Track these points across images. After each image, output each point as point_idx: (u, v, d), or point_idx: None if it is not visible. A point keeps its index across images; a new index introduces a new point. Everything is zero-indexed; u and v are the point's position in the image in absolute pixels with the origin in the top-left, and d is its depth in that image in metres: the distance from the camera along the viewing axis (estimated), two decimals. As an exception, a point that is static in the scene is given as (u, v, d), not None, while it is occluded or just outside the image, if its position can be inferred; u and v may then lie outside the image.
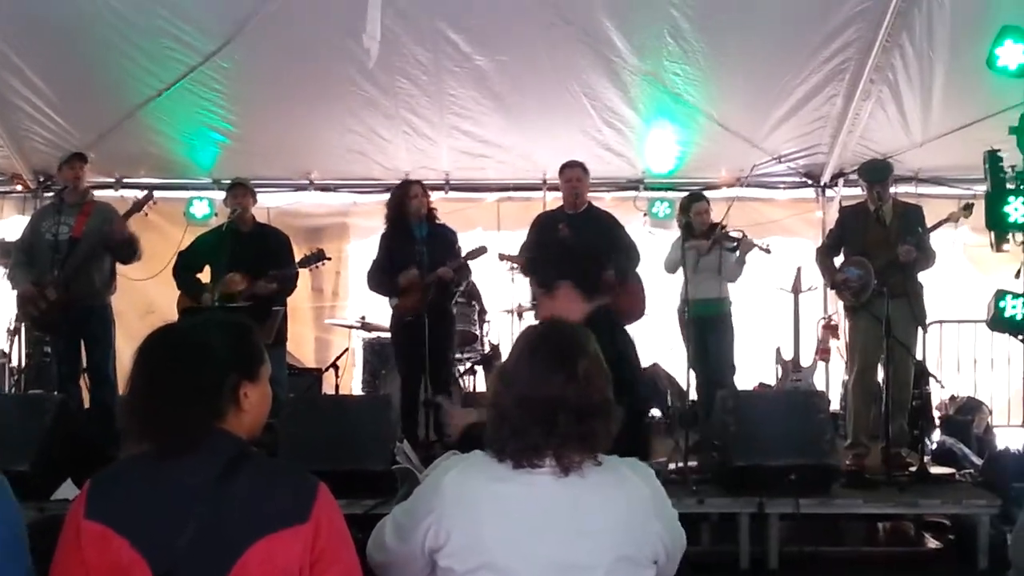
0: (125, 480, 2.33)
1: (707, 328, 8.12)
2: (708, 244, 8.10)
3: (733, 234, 8.03)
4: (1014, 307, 7.74)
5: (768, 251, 8.04)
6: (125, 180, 10.41)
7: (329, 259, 7.72)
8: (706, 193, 8.87)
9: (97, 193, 9.07)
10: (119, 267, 7.82)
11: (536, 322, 2.73)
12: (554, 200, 9.32)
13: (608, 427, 2.52)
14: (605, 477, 2.50)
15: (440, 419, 6.88)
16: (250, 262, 7.60)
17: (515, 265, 8.13)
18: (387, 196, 8.46)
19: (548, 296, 3.70)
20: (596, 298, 3.74)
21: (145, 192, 7.93)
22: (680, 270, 7.97)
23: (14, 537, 2.42)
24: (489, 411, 2.56)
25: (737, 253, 7.98)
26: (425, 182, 8.20)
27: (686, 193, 9.03)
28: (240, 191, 7.87)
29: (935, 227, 7.68)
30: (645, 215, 10.22)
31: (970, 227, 8.23)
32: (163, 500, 2.25)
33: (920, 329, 7.75)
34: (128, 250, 7.66)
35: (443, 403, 4.53)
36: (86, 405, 7.71)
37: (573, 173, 7.94)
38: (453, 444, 3.23)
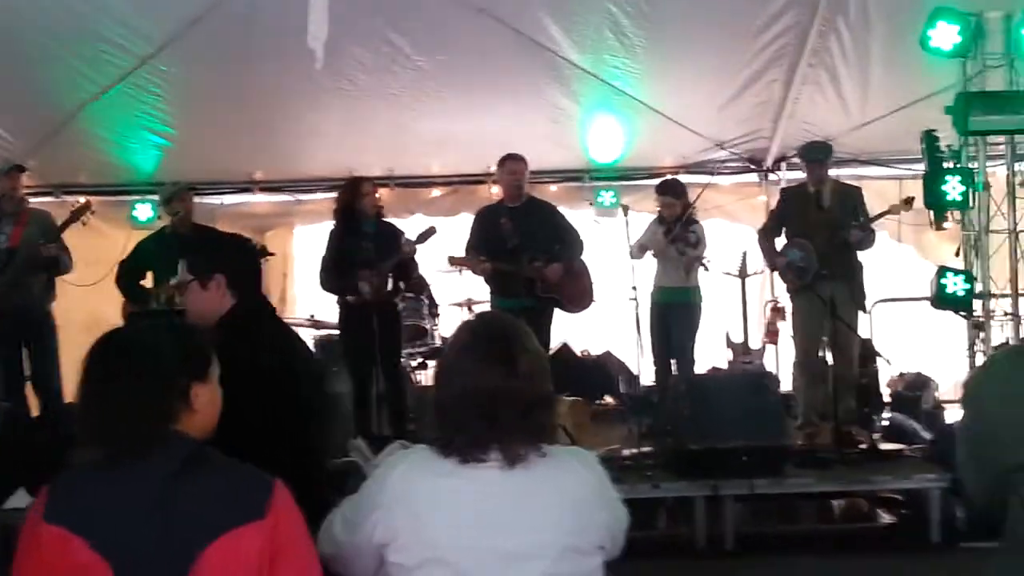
0: (82, 483, 2.30)
1: (671, 315, 8.16)
2: (662, 243, 8.13)
3: (689, 235, 8.04)
4: (955, 284, 7.90)
5: (707, 269, 8.13)
6: (65, 186, 10.27)
7: (272, 254, 7.71)
8: (650, 181, 8.93)
9: (37, 200, 8.99)
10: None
11: (470, 316, 2.73)
12: (500, 193, 9.33)
13: (551, 418, 2.57)
14: (550, 468, 2.51)
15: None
16: None
17: (465, 267, 8.13)
18: (332, 194, 8.44)
19: (201, 286, 3.56)
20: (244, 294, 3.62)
21: (82, 201, 7.86)
22: (645, 256, 8.06)
23: None
24: (433, 407, 2.57)
25: (683, 258, 8.03)
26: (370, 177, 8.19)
27: (630, 183, 9.09)
28: (187, 195, 7.81)
29: (876, 218, 7.79)
30: (591, 204, 10.25)
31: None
32: (121, 501, 2.24)
33: (860, 310, 7.85)
34: (57, 266, 7.61)
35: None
36: (33, 413, 7.62)
37: (514, 166, 7.97)
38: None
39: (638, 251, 8.19)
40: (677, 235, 8.05)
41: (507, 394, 2.46)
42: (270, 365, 3.30)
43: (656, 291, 8.21)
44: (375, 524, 2.47)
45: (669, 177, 9.11)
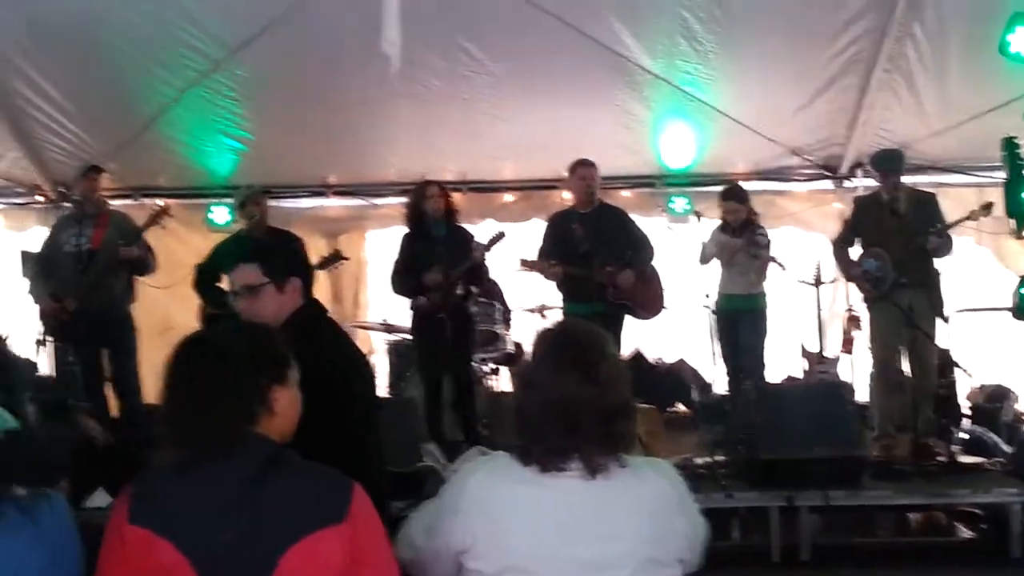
0: (164, 485, 2.34)
1: (739, 322, 8.11)
2: (735, 244, 8.08)
3: (759, 238, 7.99)
4: (1036, 295, 7.73)
5: (783, 268, 8.03)
6: (144, 189, 10.46)
7: (347, 259, 7.76)
8: (724, 187, 8.86)
9: (116, 203, 9.14)
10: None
11: (548, 325, 2.71)
12: (571, 199, 9.32)
13: (631, 428, 2.55)
14: (630, 478, 2.50)
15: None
16: None
17: (537, 271, 8.12)
18: (405, 199, 8.49)
19: (278, 289, 3.46)
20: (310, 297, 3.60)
21: (161, 205, 7.98)
22: (713, 262, 8.01)
23: (74, 558, 2.45)
24: (515, 416, 2.57)
25: (756, 262, 7.96)
26: (442, 182, 8.21)
27: (704, 188, 9.03)
28: (261, 198, 7.90)
29: (955, 224, 7.65)
30: (663, 211, 10.20)
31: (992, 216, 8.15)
32: (203, 503, 2.28)
33: (940, 318, 7.72)
34: (140, 266, 7.71)
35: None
36: (112, 413, 7.74)
37: (585, 171, 7.94)
38: None
39: (705, 258, 8.16)
40: (748, 238, 7.98)
41: (587, 402, 2.45)
42: (338, 365, 3.31)
43: (722, 298, 8.15)
44: (453, 529, 2.48)
45: (731, 183, 8.98)
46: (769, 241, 8.04)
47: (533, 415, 2.49)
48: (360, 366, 3.57)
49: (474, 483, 2.51)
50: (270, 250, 3.64)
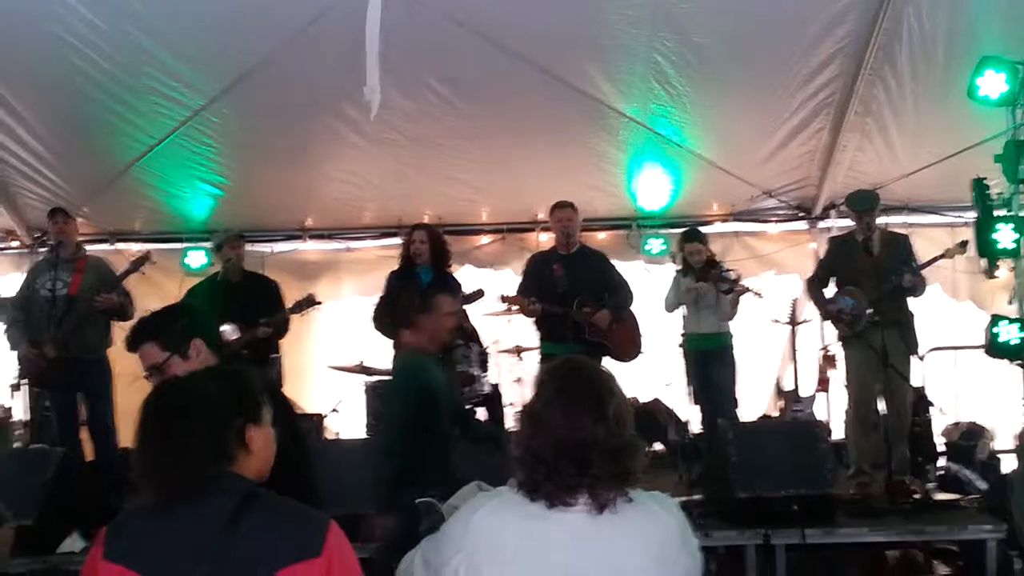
0: (141, 524, 2.36)
1: (708, 361, 8.16)
2: (704, 287, 8.14)
3: (727, 274, 8.05)
4: (1008, 332, 7.80)
5: (760, 296, 8.06)
6: (120, 234, 10.46)
7: (319, 303, 7.74)
8: (701, 228, 8.92)
9: (93, 248, 9.13)
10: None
11: (553, 362, 2.71)
12: (548, 240, 9.37)
13: (638, 463, 2.55)
14: (635, 514, 2.52)
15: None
16: (242, 311, 7.64)
17: (516, 307, 8.14)
18: (382, 241, 8.52)
19: (182, 358, 3.52)
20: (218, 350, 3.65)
21: (142, 252, 7.99)
22: (680, 308, 8.05)
23: None
24: (520, 453, 2.56)
25: (730, 296, 8.01)
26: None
27: (680, 229, 9.09)
28: (238, 242, 7.91)
29: (930, 262, 7.73)
30: (638, 252, 10.26)
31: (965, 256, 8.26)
32: (179, 541, 2.28)
33: (915, 357, 7.78)
34: (120, 313, 7.71)
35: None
36: (87, 457, 7.69)
37: (564, 214, 7.99)
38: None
39: (671, 306, 8.22)
40: (715, 276, 8.04)
41: (598, 440, 2.47)
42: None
43: (691, 338, 8.16)
44: (457, 567, 2.48)
45: (691, 228, 9.02)
46: (738, 274, 8.08)
47: (543, 454, 2.49)
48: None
49: (478, 519, 2.51)
50: (160, 324, 3.65)
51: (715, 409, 8.06)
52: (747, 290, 7.94)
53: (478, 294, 7.76)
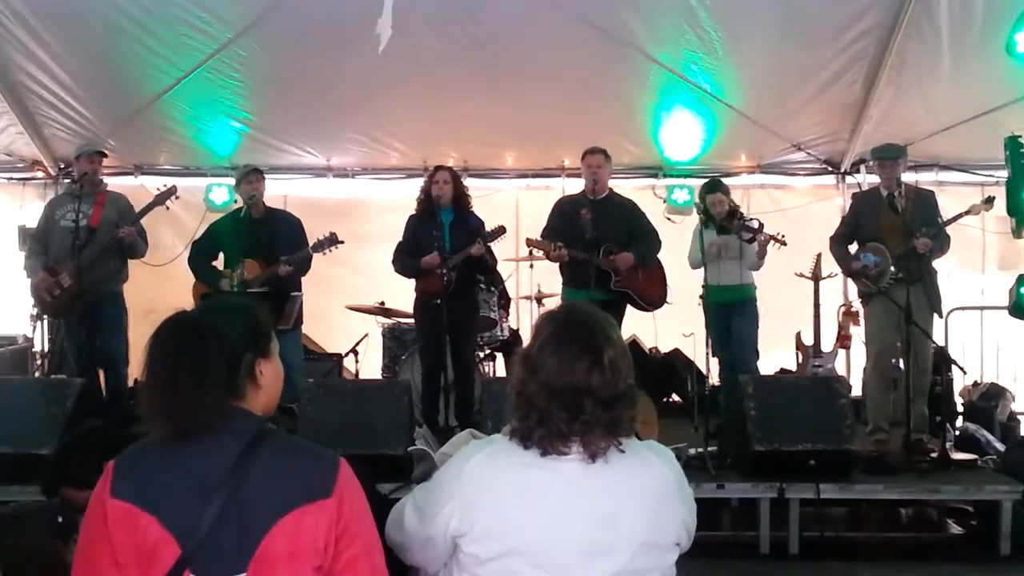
0: (149, 461, 2.32)
1: (730, 313, 8.10)
2: (723, 240, 8.06)
3: (750, 224, 7.96)
4: (1034, 293, 7.72)
5: (784, 243, 7.96)
6: (145, 168, 10.49)
7: (342, 242, 7.71)
8: (726, 180, 8.82)
9: (117, 181, 9.19)
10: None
11: (551, 308, 2.67)
12: (572, 188, 9.30)
13: (632, 414, 2.51)
14: (630, 462, 2.50)
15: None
16: (264, 247, 7.64)
17: (540, 251, 8.09)
18: (406, 182, 8.48)
19: None
20: None
21: (168, 184, 7.98)
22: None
23: None
24: (514, 398, 2.54)
25: (755, 245, 7.91)
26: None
27: (704, 179, 9.00)
28: (255, 176, 7.87)
29: (955, 218, 7.62)
30: (664, 202, 10.20)
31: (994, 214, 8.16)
32: (188, 479, 2.26)
33: (937, 315, 7.71)
34: (134, 250, 7.72)
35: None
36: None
37: (595, 159, 7.91)
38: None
39: (697, 263, 8.11)
40: (737, 225, 7.94)
41: (591, 388, 2.44)
42: None
43: (712, 290, 8.02)
44: (451, 514, 2.46)
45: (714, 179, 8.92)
46: (761, 223, 7.98)
47: (536, 399, 2.47)
48: None
49: (472, 467, 2.49)
50: None
51: (735, 361, 8.03)
52: (771, 238, 7.84)
53: (500, 231, 7.69)
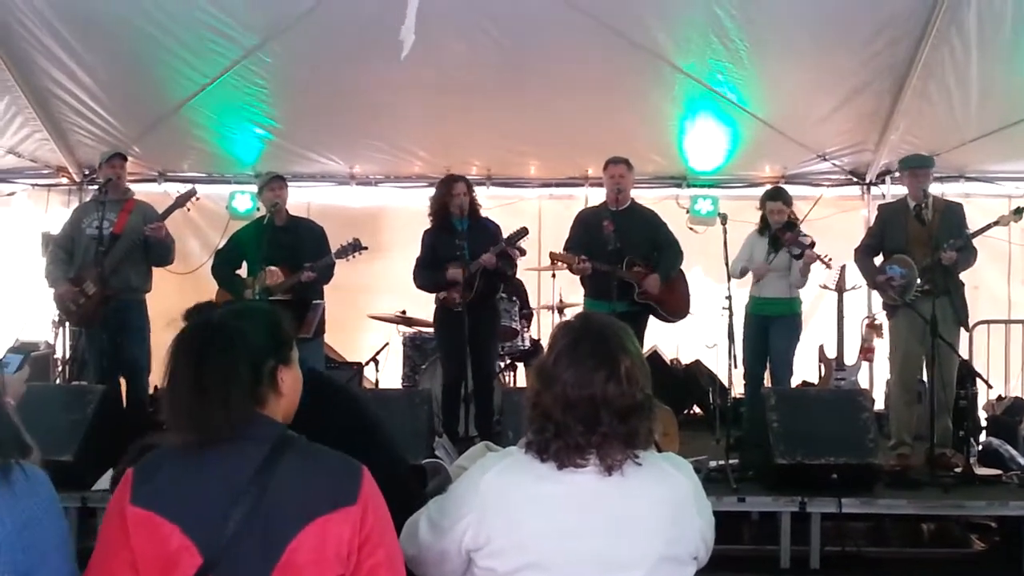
0: (169, 468, 2.30)
1: (771, 326, 8.02)
2: (782, 248, 7.97)
3: (802, 239, 7.86)
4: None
5: (829, 265, 7.90)
6: (168, 174, 10.53)
7: (366, 248, 7.70)
8: (750, 191, 8.78)
9: (140, 187, 9.20)
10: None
11: (567, 318, 2.64)
12: (595, 198, 9.27)
13: (650, 425, 2.48)
14: (648, 475, 2.47)
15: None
16: (286, 255, 7.64)
17: (564, 264, 8.07)
18: (428, 191, 8.49)
19: None
20: None
21: (188, 188, 8.00)
22: (749, 274, 7.93)
23: (50, 534, 2.35)
24: (529, 410, 2.52)
25: (800, 262, 7.83)
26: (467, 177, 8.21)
27: (728, 190, 8.96)
28: (278, 184, 7.88)
29: (983, 230, 7.55)
30: (687, 212, 10.15)
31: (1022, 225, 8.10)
32: (210, 487, 2.24)
33: (963, 328, 7.64)
34: (162, 250, 7.75)
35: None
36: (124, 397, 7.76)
37: (617, 169, 7.89)
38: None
39: (740, 273, 8.03)
40: (791, 238, 7.85)
41: (608, 400, 2.41)
42: None
43: (755, 302, 7.99)
44: (466, 528, 2.44)
45: (775, 186, 8.85)
46: (813, 241, 7.89)
47: (552, 411, 2.44)
48: None
49: (488, 481, 2.47)
50: None
51: (770, 376, 7.96)
52: (817, 257, 7.77)
53: (522, 232, 7.67)
